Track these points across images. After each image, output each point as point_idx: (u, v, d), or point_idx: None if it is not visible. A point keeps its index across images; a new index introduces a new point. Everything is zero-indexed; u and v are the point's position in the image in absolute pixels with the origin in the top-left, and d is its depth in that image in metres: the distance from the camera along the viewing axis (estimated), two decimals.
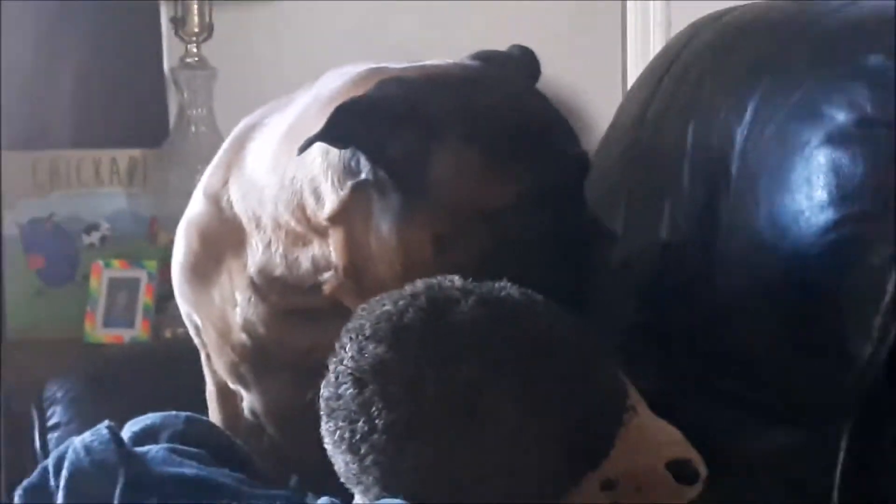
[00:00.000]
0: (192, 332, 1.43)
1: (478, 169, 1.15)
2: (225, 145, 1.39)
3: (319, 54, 2.43)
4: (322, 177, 1.21)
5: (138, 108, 2.46)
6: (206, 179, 1.38)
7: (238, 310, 1.32)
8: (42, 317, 2.35)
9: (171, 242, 1.42)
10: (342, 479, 1.06)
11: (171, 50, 2.41)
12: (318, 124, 1.16)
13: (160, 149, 2.34)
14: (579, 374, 1.04)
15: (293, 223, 1.25)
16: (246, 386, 1.39)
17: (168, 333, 2.28)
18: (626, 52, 2.75)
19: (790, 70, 1.38)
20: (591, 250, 1.20)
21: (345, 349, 1.05)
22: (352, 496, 1.07)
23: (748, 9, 1.62)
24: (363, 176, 1.18)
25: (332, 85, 1.28)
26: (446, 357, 1.01)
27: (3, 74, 2.41)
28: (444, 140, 1.16)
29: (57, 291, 2.37)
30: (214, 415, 1.45)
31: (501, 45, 1.35)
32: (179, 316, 1.44)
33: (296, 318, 1.29)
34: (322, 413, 1.06)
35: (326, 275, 1.24)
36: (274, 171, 1.26)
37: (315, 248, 1.24)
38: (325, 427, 1.06)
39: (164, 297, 2.21)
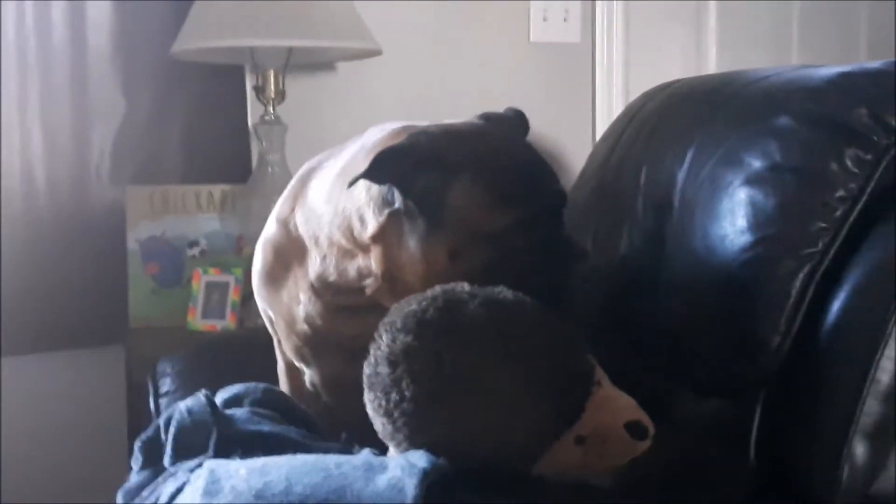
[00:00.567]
0: (266, 324, 1.43)
1: (483, 201, 1.15)
2: (292, 182, 1.39)
3: (366, 113, 2.45)
4: (366, 206, 1.20)
5: (229, 154, 2.46)
6: (278, 208, 1.37)
7: (301, 306, 1.32)
8: (156, 311, 2.34)
9: (252, 255, 1.42)
10: (380, 437, 1.06)
11: (253, 110, 2.41)
12: (363, 166, 1.16)
13: (245, 184, 2.34)
14: (559, 356, 1.03)
15: (343, 241, 1.24)
16: (307, 364, 1.38)
17: (250, 324, 2.27)
18: (595, 113, 2.75)
19: (718, 128, 1.38)
20: (568, 263, 1.19)
21: (381, 338, 1.04)
22: (387, 449, 1.07)
23: (687, 81, 1.62)
24: (396, 206, 1.17)
25: (374, 137, 1.28)
26: (458, 344, 1.00)
27: (128, 126, 2.42)
28: (459, 179, 1.15)
29: (167, 291, 2.36)
30: (284, 386, 1.45)
31: (499, 108, 1.34)
32: (258, 310, 1.44)
33: (345, 313, 1.29)
34: (364, 385, 1.06)
35: (368, 281, 1.23)
36: (329, 202, 1.26)
37: (360, 261, 1.24)
38: (367, 396, 1.05)
39: (247, 296, 2.20)
